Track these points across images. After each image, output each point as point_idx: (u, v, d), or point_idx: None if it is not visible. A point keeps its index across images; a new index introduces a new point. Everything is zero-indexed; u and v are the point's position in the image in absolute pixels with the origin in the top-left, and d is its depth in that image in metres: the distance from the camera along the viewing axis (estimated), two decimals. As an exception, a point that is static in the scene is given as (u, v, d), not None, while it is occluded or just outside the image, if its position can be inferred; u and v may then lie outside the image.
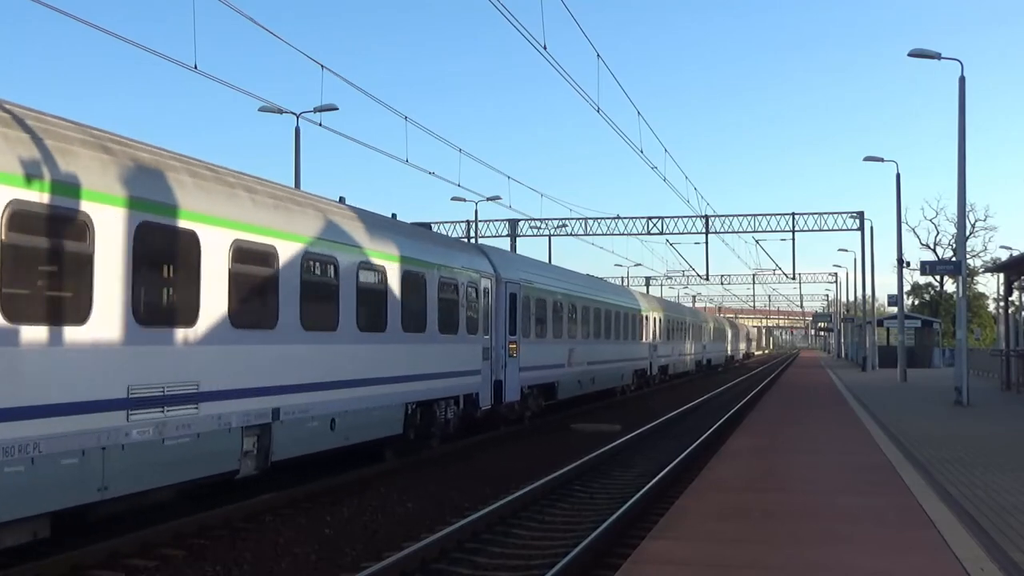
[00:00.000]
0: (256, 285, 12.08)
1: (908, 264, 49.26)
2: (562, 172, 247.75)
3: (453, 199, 56.75)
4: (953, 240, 71.66)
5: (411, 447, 16.56)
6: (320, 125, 25.57)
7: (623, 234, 52.82)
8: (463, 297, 18.45)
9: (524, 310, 22.17)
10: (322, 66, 20.53)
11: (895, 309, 49.59)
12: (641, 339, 38.07)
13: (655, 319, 41.29)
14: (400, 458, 16.11)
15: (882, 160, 41.82)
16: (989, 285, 75.89)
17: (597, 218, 55.60)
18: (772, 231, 51.90)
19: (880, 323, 61.20)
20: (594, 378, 29.22)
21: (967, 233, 36.34)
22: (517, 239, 52.78)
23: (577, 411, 27.69)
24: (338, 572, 9.47)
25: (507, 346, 20.65)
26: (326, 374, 13.35)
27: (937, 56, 25.71)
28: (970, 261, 67.09)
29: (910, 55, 26.08)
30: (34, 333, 8.51)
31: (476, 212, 48.62)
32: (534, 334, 23.02)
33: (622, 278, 77.07)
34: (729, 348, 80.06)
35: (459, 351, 18.21)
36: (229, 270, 11.29)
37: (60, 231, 8.91)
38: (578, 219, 52.90)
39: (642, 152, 29.40)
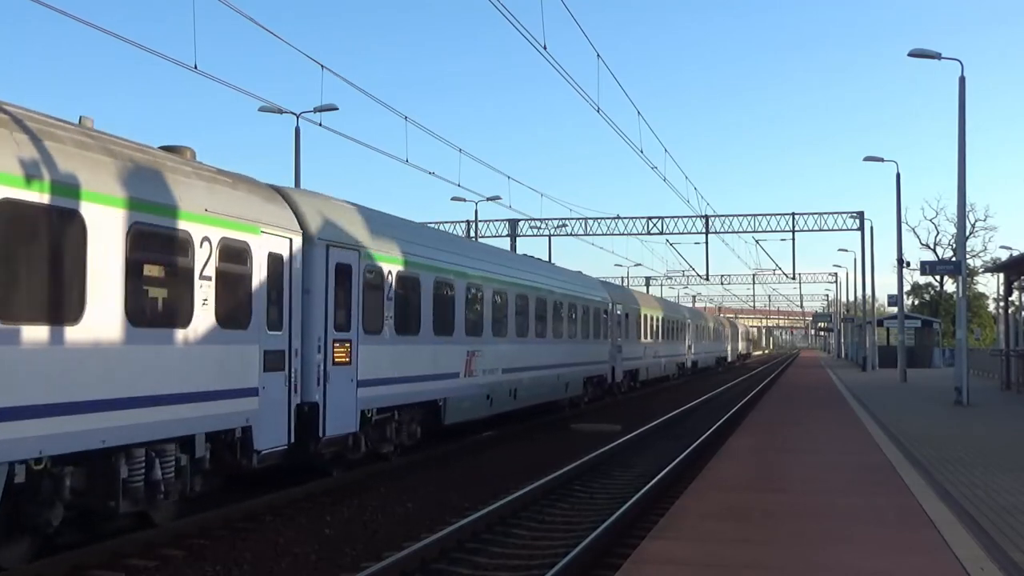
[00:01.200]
0: None
1: (908, 264, 49.35)
2: (562, 172, 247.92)
3: (453, 199, 56.78)
4: (953, 240, 71.73)
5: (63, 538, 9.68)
6: (320, 125, 25.59)
7: (623, 234, 52.94)
8: (208, 264, 10.97)
9: (371, 292, 14.76)
10: (322, 66, 20.53)
11: (895, 309, 49.61)
12: (600, 337, 30.43)
13: (623, 313, 34.12)
14: (32, 562, 9.16)
15: (882, 160, 41.88)
16: (989, 285, 75.97)
17: (597, 218, 55.72)
18: (772, 231, 52.04)
19: (880, 323, 61.20)
20: (515, 390, 21.61)
21: (967, 233, 36.36)
22: (517, 239, 52.84)
23: (573, 413, 27.62)
24: (338, 572, 9.47)
25: (329, 348, 13.39)
26: None
27: (937, 56, 25.73)
28: (970, 261, 67.11)
29: (910, 55, 26.11)
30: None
31: (476, 212, 48.68)
32: (392, 329, 15.45)
33: (622, 278, 77.07)
34: (722, 349, 73.22)
35: (193, 357, 10.73)
36: None
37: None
38: (578, 219, 53.02)
39: (642, 152, 29.43)
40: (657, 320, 42.16)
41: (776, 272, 72.23)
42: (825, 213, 51.47)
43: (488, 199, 42.15)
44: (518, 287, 22.21)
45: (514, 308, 21.81)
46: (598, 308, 30.38)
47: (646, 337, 39.18)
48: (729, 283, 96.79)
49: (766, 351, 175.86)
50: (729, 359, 78.62)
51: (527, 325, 22.85)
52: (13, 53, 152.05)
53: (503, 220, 52.83)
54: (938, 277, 78.69)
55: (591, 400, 29.90)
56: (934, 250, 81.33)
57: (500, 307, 20.94)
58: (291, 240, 12.85)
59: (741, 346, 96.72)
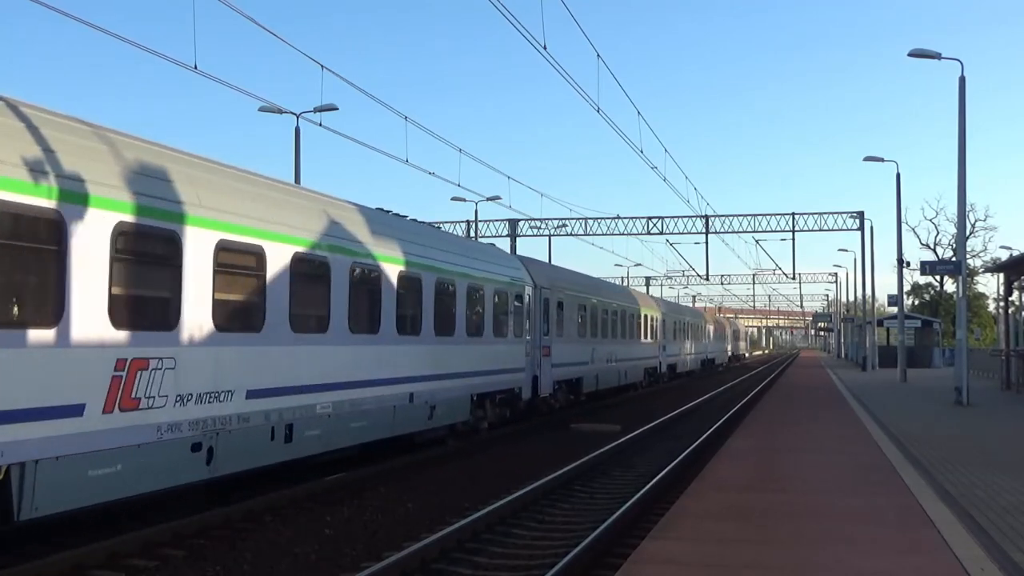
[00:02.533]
0: None
1: (908, 264, 49.38)
2: (562, 172, 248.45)
3: (453, 199, 56.91)
4: (953, 240, 71.75)
5: None
6: (320, 125, 25.52)
7: (623, 234, 52.94)
8: None
9: None
10: (322, 66, 20.44)
11: (895, 309, 49.60)
12: (507, 334, 21.33)
13: (555, 302, 25.39)
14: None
15: (882, 160, 41.91)
16: (989, 285, 76.12)
17: (597, 218, 55.79)
18: (772, 231, 52.05)
19: (880, 323, 61.21)
20: (290, 427, 12.45)
21: (967, 233, 36.33)
22: (517, 239, 52.84)
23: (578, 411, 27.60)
24: (338, 572, 9.47)
25: None
26: None
27: (937, 56, 25.73)
28: (970, 261, 67.15)
29: (910, 55, 26.11)
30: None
31: (476, 212, 48.63)
32: None
33: (622, 278, 76.99)
34: (710, 350, 64.02)
35: None
36: None
37: None
38: (578, 219, 53.02)
39: (642, 152, 29.35)
40: (611, 313, 32.57)
41: (776, 272, 72.39)
42: (825, 213, 51.56)
43: (488, 199, 42.14)
44: (305, 244, 13.01)
45: (290, 282, 12.57)
46: (505, 292, 21.21)
47: (594, 335, 30.04)
48: (729, 283, 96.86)
49: (766, 351, 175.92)
50: (719, 361, 70.14)
51: (326, 312, 13.59)
52: (13, 53, 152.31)
53: (503, 220, 52.89)
54: (938, 277, 78.80)
55: (495, 425, 21.04)
56: (934, 250, 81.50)
57: (249, 278, 11.98)
58: None
59: (737, 346, 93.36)
